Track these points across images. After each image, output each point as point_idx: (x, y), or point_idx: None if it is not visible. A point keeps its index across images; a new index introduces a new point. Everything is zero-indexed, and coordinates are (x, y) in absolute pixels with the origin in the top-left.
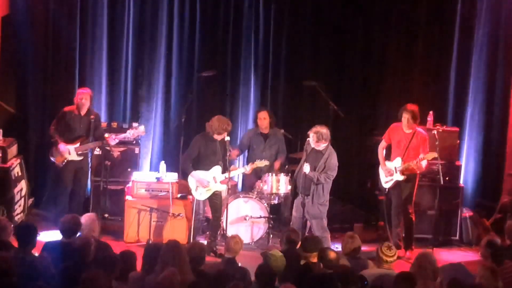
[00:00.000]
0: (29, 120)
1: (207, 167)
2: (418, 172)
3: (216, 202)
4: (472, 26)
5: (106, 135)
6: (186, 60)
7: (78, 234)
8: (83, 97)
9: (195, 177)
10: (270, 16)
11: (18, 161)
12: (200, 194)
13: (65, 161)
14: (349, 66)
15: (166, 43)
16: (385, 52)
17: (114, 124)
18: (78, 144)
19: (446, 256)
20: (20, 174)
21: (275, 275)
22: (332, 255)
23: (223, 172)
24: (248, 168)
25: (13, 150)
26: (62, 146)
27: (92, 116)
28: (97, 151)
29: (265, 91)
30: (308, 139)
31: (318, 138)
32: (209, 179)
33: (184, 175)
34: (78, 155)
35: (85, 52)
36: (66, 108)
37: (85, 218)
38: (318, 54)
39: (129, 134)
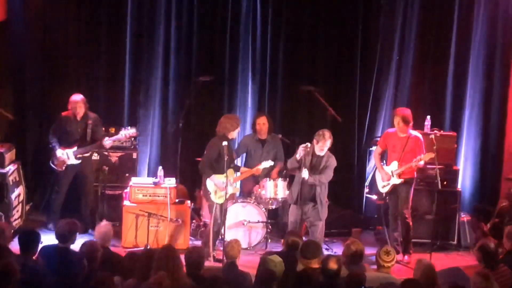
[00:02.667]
0: (26, 125)
1: (221, 171)
2: (415, 175)
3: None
4: (469, 30)
5: (105, 139)
6: (183, 65)
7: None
8: (76, 106)
9: (214, 181)
10: (267, 21)
11: (16, 166)
12: (219, 198)
13: (65, 165)
14: (346, 71)
15: (163, 48)
16: (383, 57)
17: (112, 130)
18: (75, 148)
19: (444, 260)
20: (18, 179)
21: (275, 279)
22: (332, 264)
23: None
24: (260, 168)
25: (11, 155)
26: (60, 152)
27: (89, 121)
28: (95, 156)
29: (262, 96)
30: (310, 145)
31: (331, 143)
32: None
33: (183, 180)
34: (77, 158)
35: (82, 58)
36: (64, 113)
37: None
38: (315, 59)
39: (121, 136)
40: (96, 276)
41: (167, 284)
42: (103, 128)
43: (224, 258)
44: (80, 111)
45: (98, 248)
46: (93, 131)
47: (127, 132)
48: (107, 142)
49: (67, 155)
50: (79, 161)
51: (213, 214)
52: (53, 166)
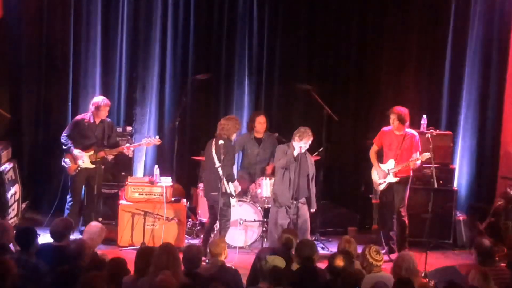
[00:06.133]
0: (23, 123)
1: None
2: (411, 174)
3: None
4: (465, 29)
5: (126, 145)
6: (180, 63)
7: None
8: (102, 108)
9: (235, 184)
10: (264, 20)
11: (12, 164)
12: (236, 202)
13: (78, 168)
14: (343, 70)
15: (160, 46)
16: (379, 56)
17: None
18: (92, 152)
19: (440, 259)
20: (13, 177)
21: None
22: (339, 262)
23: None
24: None
25: (7, 153)
26: (77, 152)
27: (106, 125)
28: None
29: (259, 95)
30: (300, 146)
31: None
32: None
33: (179, 178)
34: (92, 163)
35: (79, 55)
36: (78, 117)
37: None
38: (312, 57)
39: (144, 142)
40: (84, 275)
41: (173, 284)
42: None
43: (209, 256)
44: (103, 115)
45: (87, 247)
46: (108, 136)
47: (150, 140)
48: (129, 149)
49: (82, 158)
50: (94, 166)
51: (229, 218)
52: (66, 166)
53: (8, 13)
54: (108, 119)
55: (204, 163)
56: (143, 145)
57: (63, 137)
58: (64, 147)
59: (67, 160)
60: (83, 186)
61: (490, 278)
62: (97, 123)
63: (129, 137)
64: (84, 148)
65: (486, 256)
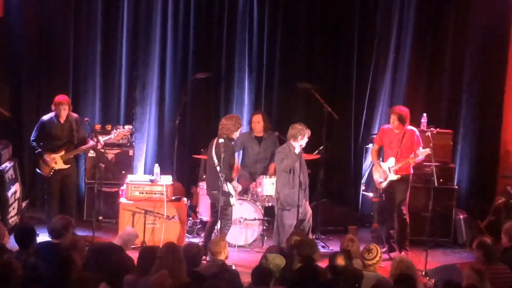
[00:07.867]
0: (23, 122)
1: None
2: (411, 172)
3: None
4: (465, 27)
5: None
6: (180, 62)
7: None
8: (61, 108)
9: (233, 184)
10: (264, 19)
11: (12, 163)
12: (235, 201)
13: (53, 171)
14: (343, 69)
15: (160, 45)
16: (379, 54)
17: (108, 127)
18: (63, 152)
19: (440, 257)
20: (14, 176)
21: (270, 275)
22: (340, 261)
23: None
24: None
25: (7, 152)
26: (48, 156)
27: (73, 122)
28: (91, 153)
29: (259, 94)
30: (301, 144)
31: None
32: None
33: (179, 177)
34: (65, 163)
35: (79, 55)
36: (45, 118)
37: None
38: (312, 56)
39: (114, 135)
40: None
41: (169, 283)
42: (100, 126)
43: (209, 254)
44: (64, 113)
45: (80, 243)
46: (77, 131)
47: (120, 131)
48: (99, 144)
49: (54, 160)
50: (68, 166)
51: (230, 217)
52: (40, 172)
53: (8, 12)
54: (75, 115)
55: (206, 162)
56: (114, 138)
57: (32, 141)
58: (35, 151)
59: (40, 164)
60: (60, 187)
61: (485, 276)
62: (62, 122)
63: (129, 136)
64: (55, 150)
65: (491, 254)
